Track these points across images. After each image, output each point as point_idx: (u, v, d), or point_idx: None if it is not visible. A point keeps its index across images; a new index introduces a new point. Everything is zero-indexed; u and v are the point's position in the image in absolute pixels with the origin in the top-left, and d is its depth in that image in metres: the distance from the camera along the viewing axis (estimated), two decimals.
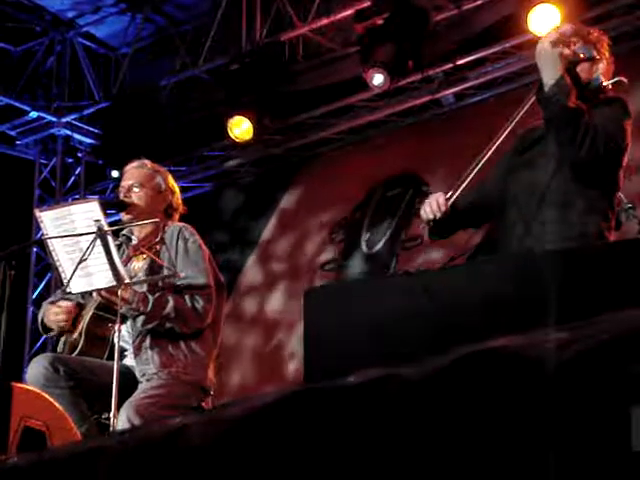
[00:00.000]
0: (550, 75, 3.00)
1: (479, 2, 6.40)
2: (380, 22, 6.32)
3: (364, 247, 7.17)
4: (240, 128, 7.00)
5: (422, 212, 3.12)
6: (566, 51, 3.05)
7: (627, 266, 2.30)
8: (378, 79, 6.44)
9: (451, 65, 6.65)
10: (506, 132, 3.10)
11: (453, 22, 6.59)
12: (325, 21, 6.84)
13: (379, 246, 7.09)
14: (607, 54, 3.25)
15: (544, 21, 5.75)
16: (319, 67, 7.16)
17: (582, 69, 3.14)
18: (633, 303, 1.88)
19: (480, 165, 3.07)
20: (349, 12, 6.64)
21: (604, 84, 3.18)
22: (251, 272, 7.65)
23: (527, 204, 3.06)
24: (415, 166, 6.99)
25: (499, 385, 1.45)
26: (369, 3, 6.46)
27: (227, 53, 7.15)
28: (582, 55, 3.11)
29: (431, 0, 6.38)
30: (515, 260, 2.74)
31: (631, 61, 6.23)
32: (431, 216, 3.07)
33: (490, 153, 3.09)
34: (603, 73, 3.21)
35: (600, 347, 1.38)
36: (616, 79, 3.23)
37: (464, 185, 3.08)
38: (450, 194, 3.08)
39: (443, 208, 3.06)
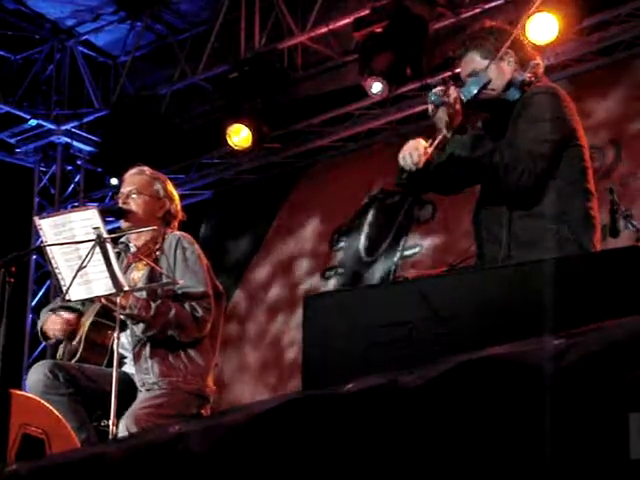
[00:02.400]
0: (447, 134, 2.96)
1: (477, 11, 6.42)
2: (379, 30, 6.33)
3: (363, 254, 7.17)
4: (239, 136, 7.01)
5: (401, 160, 3.04)
6: (452, 108, 2.94)
7: (623, 274, 2.30)
8: (377, 87, 6.45)
9: (450, 73, 6.66)
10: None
11: (452, 30, 6.61)
12: (324, 29, 6.85)
13: (378, 253, 7.09)
14: (511, 41, 3.13)
15: (542, 30, 5.77)
16: (318, 75, 7.17)
17: (492, 86, 3.06)
18: (630, 311, 1.88)
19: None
20: (348, 20, 6.66)
21: (525, 78, 3.09)
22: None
23: (498, 227, 3.05)
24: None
25: (498, 392, 1.45)
26: (368, 11, 6.47)
27: (226, 61, 7.16)
28: (470, 96, 3.00)
29: (430, 8, 6.40)
30: (511, 268, 2.75)
31: (629, 69, 6.26)
32: (413, 168, 3.00)
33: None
34: (519, 64, 3.12)
35: (598, 354, 1.39)
36: (531, 66, 3.13)
37: (439, 138, 3.01)
38: (430, 142, 3.03)
39: (423, 159, 2.98)
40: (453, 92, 2.97)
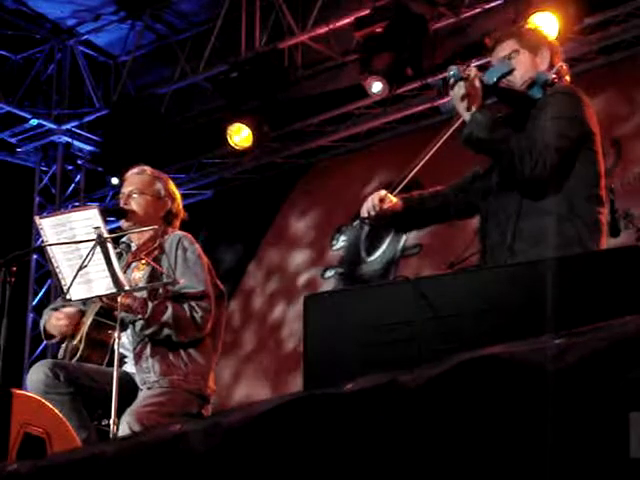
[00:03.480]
0: (465, 114, 2.98)
1: (478, 10, 6.42)
2: (379, 30, 6.34)
3: (364, 254, 7.18)
4: (240, 135, 7.02)
5: (361, 210, 3.22)
6: (472, 88, 2.96)
7: (624, 273, 2.30)
8: (377, 87, 6.46)
9: None
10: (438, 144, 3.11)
11: (452, 30, 6.61)
12: (324, 29, 6.85)
13: (379, 253, 7.09)
14: (548, 41, 3.22)
15: (543, 29, 5.76)
16: (318, 75, 7.17)
17: (515, 78, 3.10)
18: (630, 310, 1.88)
19: (419, 166, 3.14)
20: (348, 20, 6.66)
21: (549, 77, 3.12)
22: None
23: (506, 219, 3.06)
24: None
25: (498, 391, 1.45)
26: (368, 11, 6.47)
27: (227, 61, 7.16)
28: (491, 80, 3.04)
29: (430, 8, 6.40)
30: (512, 268, 2.75)
31: (628, 68, 6.26)
32: (365, 214, 3.19)
33: (428, 157, 3.13)
34: (549, 61, 3.17)
35: (599, 354, 1.39)
36: (556, 67, 3.17)
37: (402, 185, 3.16)
38: (390, 190, 3.19)
39: (377, 208, 3.16)
40: (474, 70, 3.00)
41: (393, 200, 3.21)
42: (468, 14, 6.47)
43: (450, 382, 1.48)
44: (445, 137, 3.10)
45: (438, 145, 3.11)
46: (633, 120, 6.13)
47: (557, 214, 2.99)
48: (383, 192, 3.20)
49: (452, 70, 2.98)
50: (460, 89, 2.97)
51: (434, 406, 1.48)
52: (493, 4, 6.35)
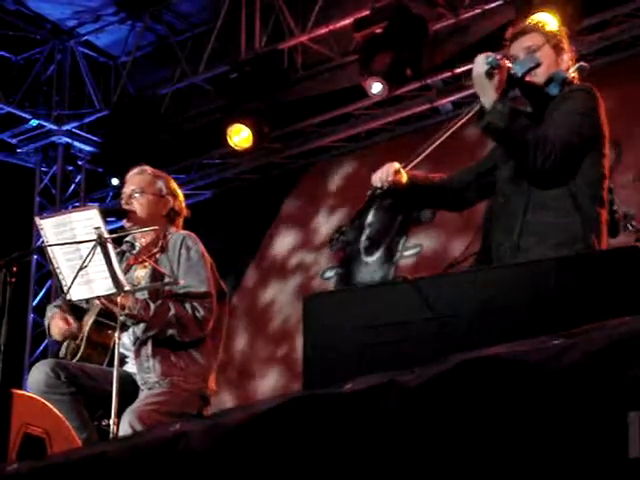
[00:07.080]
0: (486, 102, 3.00)
1: (477, 11, 6.43)
2: (379, 31, 6.34)
3: (363, 254, 7.18)
4: (239, 136, 7.02)
5: (373, 178, 3.24)
6: (500, 76, 2.99)
7: (623, 273, 2.31)
8: (377, 87, 6.46)
9: (449, 73, 6.67)
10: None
11: (451, 31, 6.62)
12: (324, 30, 6.86)
13: (378, 253, 7.09)
14: (570, 46, 3.26)
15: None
16: (318, 75, 7.18)
17: (537, 73, 3.13)
18: (629, 310, 1.89)
19: (434, 145, 3.18)
20: (348, 21, 6.67)
21: (567, 75, 3.16)
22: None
23: (513, 215, 3.07)
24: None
25: (498, 391, 1.46)
26: (368, 12, 6.48)
27: (227, 61, 7.17)
28: (519, 72, 3.08)
29: (430, 9, 6.41)
30: (511, 268, 2.75)
31: (627, 68, 6.27)
32: (379, 184, 3.20)
33: (443, 138, 3.17)
34: (569, 62, 3.21)
35: (597, 354, 1.39)
36: (576, 66, 3.21)
37: (417, 161, 3.19)
38: (403, 165, 3.22)
39: (390, 178, 3.18)
40: (506, 62, 3.05)
41: (404, 174, 3.21)
42: (468, 15, 6.47)
43: (450, 382, 1.48)
44: (462, 122, 3.12)
45: (455, 128, 3.13)
46: (633, 121, 6.14)
47: (562, 209, 3.02)
48: (397, 164, 3.22)
49: (490, 57, 2.99)
50: (493, 77, 2.99)
51: (434, 406, 1.49)
52: (493, 5, 6.36)
